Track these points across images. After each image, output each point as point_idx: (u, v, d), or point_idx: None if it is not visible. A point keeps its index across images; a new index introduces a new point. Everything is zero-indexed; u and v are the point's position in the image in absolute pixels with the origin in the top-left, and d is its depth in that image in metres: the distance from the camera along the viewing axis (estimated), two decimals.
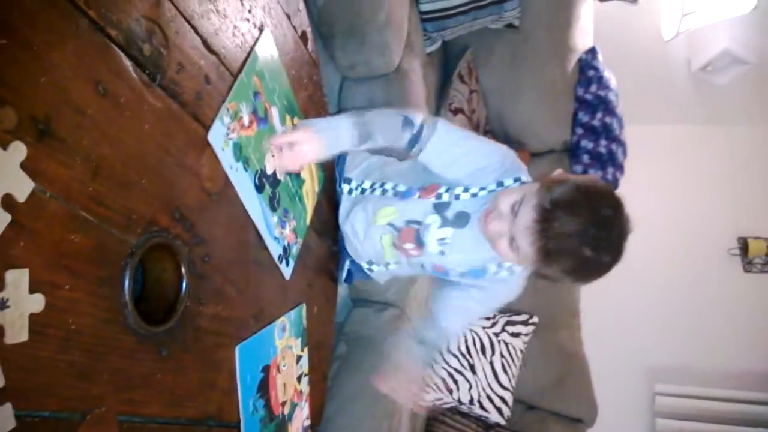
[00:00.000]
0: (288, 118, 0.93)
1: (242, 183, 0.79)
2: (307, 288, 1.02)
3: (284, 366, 0.92)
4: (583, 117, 2.13)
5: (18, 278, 0.48)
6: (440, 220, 0.99)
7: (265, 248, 0.87)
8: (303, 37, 1.01)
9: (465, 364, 1.79)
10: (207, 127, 0.72)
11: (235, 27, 0.78)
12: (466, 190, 0.98)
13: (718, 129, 2.78)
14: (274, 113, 0.88)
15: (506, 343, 1.85)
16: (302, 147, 0.88)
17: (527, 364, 1.91)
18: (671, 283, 2.54)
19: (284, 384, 0.92)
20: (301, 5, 1.01)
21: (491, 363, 1.82)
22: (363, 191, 1.11)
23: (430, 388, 1.77)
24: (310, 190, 1.02)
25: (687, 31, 2.41)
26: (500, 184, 0.97)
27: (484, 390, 1.81)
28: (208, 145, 0.72)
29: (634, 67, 2.34)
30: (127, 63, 0.59)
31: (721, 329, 2.54)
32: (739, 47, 2.48)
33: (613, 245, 0.82)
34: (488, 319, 1.85)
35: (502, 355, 1.84)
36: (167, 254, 0.67)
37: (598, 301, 2.20)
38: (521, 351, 1.89)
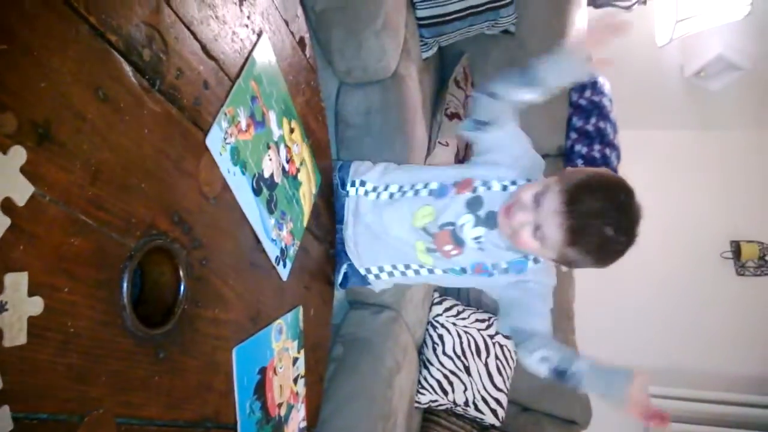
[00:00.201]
0: (285, 121, 0.94)
1: (240, 186, 0.80)
2: (303, 290, 1.02)
3: (281, 368, 0.93)
4: (578, 122, 2.15)
5: (17, 281, 0.48)
6: (473, 219, 1.03)
7: (263, 251, 0.87)
8: (301, 42, 1.02)
9: (460, 365, 1.80)
10: (205, 132, 0.72)
11: (233, 33, 0.79)
12: (499, 180, 1.03)
13: (711, 134, 2.81)
14: (272, 117, 0.89)
15: (501, 345, 1.86)
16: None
17: (522, 366, 1.92)
18: (665, 285, 2.56)
19: (281, 386, 0.92)
20: (300, 11, 1.02)
21: (486, 365, 1.83)
22: (392, 195, 1.12)
23: (426, 390, 1.77)
24: (307, 193, 1.03)
25: (681, 37, 2.43)
26: (528, 180, 1.03)
27: (479, 392, 1.81)
28: (206, 149, 0.73)
29: (628, 73, 2.36)
30: (127, 68, 0.60)
31: (713, 332, 2.56)
32: (732, 53, 2.50)
33: (630, 227, 0.90)
34: (482, 321, 1.86)
35: (497, 357, 1.84)
36: (165, 257, 0.67)
37: (592, 304, 2.21)
38: (516, 353, 1.90)
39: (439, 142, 1.77)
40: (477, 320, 1.86)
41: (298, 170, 0.99)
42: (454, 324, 1.84)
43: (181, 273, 0.69)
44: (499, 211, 1.00)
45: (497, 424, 1.87)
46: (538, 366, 1.01)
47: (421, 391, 1.77)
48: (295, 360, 0.99)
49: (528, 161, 1.06)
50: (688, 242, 2.67)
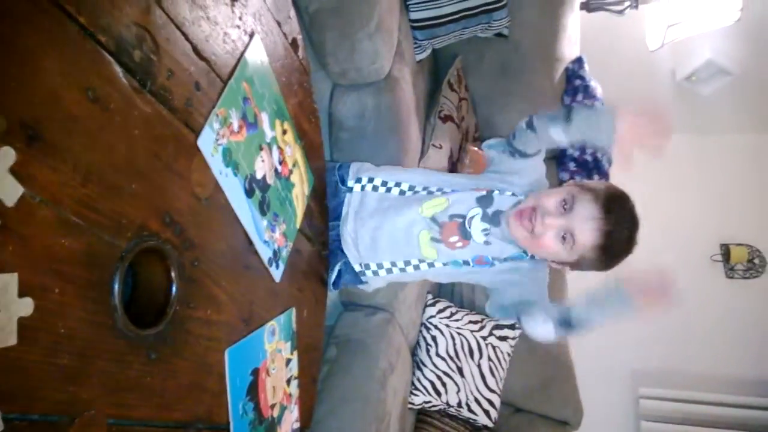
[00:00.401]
0: (278, 122, 0.94)
1: (232, 188, 0.80)
2: (296, 292, 1.02)
3: (274, 369, 0.93)
4: None
5: (7, 282, 0.48)
6: (482, 212, 1.09)
7: (255, 252, 0.87)
8: (294, 44, 1.02)
9: (453, 367, 1.80)
10: (197, 133, 0.72)
11: (225, 34, 0.79)
12: (513, 195, 1.10)
13: (701, 138, 2.83)
14: (264, 119, 0.89)
15: (494, 347, 1.87)
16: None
17: (514, 367, 1.93)
18: None
19: (273, 387, 0.92)
20: (292, 12, 1.02)
21: (479, 366, 1.83)
22: (402, 192, 1.16)
23: (419, 391, 1.78)
24: (300, 194, 1.03)
25: (672, 42, 2.45)
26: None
27: (472, 393, 1.82)
28: (198, 150, 0.73)
29: (620, 77, 2.38)
30: (118, 69, 0.60)
31: (703, 334, 2.58)
32: (722, 58, 2.53)
33: (637, 234, 1.00)
34: (475, 323, 1.87)
35: (489, 359, 1.85)
36: (157, 258, 0.67)
37: None
38: (509, 354, 1.90)
39: (433, 145, 1.77)
40: (470, 322, 1.86)
41: (290, 172, 0.99)
42: (448, 325, 1.84)
43: (172, 274, 0.68)
44: (510, 215, 1.05)
45: (490, 425, 1.87)
46: (543, 328, 1.04)
47: (415, 392, 1.78)
48: (288, 361, 0.99)
49: (538, 186, 1.12)
50: (679, 245, 2.69)
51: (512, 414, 2.03)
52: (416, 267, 1.15)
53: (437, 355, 1.80)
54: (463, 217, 1.09)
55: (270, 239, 0.91)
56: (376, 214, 1.15)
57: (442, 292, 2.00)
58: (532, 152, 1.10)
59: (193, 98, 0.72)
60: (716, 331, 2.58)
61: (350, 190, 1.19)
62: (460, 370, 1.81)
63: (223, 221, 0.80)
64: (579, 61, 2.21)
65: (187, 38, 0.70)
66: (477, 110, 2.16)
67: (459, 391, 1.80)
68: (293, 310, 1.00)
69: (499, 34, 2.04)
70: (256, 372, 0.87)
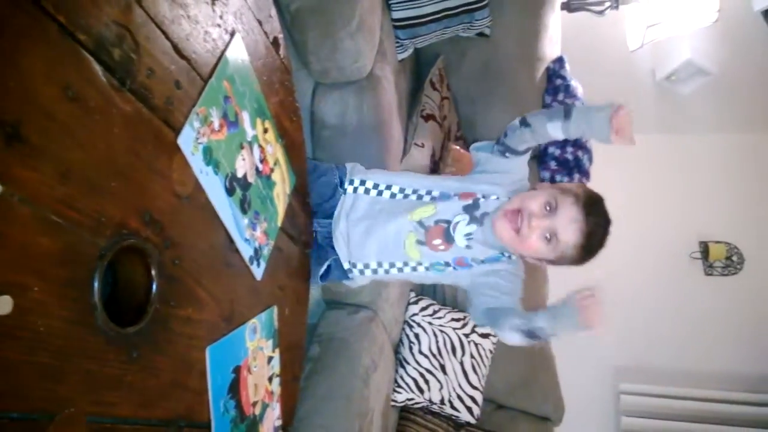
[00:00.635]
0: (259, 121, 0.94)
1: (212, 186, 0.80)
2: (278, 290, 1.03)
3: (255, 367, 0.93)
4: None
5: None
6: (468, 218, 1.14)
7: (236, 250, 0.88)
8: (275, 43, 1.02)
9: (436, 364, 1.82)
10: (177, 132, 0.73)
11: (206, 32, 0.79)
12: (497, 198, 1.15)
13: (681, 137, 2.88)
14: (245, 117, 0.89)
15: (476, 344, 1.88)
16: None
17: (496, 364, 1.95)
18: (635, 285, 2.62)
19: (255, 385, 0.93)
20: (273, 11, 1.03)
21: (461, 363, 1.85)
22: (393, 195, 1.21)
23: (402, 388, 1.79)
24: (281, 193, 1.03)
25: (651, 42, 2.49)
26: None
27: (454, 390, 1.84)
28: (179, 149, 0.73)
29: (601, 76, 2.41)
30: (97, 67, 0.60)
31: (683, 330, 2.63)
32: (701, 58, 2.57)
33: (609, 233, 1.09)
34: (458, 320, 1.88)
35: (472, 356, 1.87)
36: (138, 257, 0.67)
37: None
38: (491, 351, 1.92)
39: (415, 144, 1.79)
40: (452, 319, 1.88)
41: (271, 170, 0.99)
42: (430, 323, 1.86)
43: (153, 272, 0.69)
44: (496, 216, 1.10)
45: (473, 421, 1.89)
46: (512, 336, 1.07)
47: (398, 389, 1.79)
48: (270, 359, 0.99)
49: (521, 187, 1.17)
50: (658, 243, 2.74)
51: (494, 410, 2.06)
52: (400, 270, 1.21)
53: (420, 352, 1.82)
54: (449, 222, 1.15)
55: (251, 237, 0.92)
56: (368, 217, 1.20)
57: (425, 290, 2.02)
58: (522, 150, 1.14)
59: (173, 97, 0.72)
60: (695, 328, 2.63)
61: (344, 191, 1.23)
62: (443, 368, 1.82)
63: (203, 220, 0.80)
64: (560, 60, 2.24)
65: (167, 37, 0.71)
66: (459, 109, 2.18)
67: (442, 388, 1.82)
68: (275, 308, 1.01)
69: (481, 34, 2.06)
70: (237, 370, 0.88)
